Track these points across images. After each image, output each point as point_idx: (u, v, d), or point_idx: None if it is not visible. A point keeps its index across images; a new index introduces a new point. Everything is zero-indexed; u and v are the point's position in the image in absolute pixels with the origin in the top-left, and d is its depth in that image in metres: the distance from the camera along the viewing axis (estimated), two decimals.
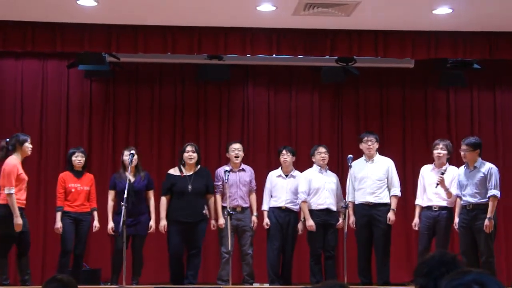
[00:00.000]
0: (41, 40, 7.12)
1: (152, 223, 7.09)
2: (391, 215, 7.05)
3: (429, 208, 7.00)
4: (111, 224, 7.00)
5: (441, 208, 6.95)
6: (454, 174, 6.99)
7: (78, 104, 8.54)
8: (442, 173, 6.83)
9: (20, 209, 6.54)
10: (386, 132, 8.75)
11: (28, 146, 6.71)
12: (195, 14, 6.90)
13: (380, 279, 7.10)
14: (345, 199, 7.16)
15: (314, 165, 7.34)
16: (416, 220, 7.10)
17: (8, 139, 6.78)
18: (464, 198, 6.79)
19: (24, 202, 6.68)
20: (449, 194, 6.90)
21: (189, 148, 7.18)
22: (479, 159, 6.79)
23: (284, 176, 7.36)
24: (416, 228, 7.12)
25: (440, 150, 7.02)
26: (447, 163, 7.04)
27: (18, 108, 8.41)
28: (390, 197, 7.12)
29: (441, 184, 6.82)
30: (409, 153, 8.67)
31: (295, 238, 7.33)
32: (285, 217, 7.27)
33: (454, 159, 7.48)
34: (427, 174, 7.11)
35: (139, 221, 7.02)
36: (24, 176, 6.66)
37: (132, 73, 8.62)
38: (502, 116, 8.85)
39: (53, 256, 7.71)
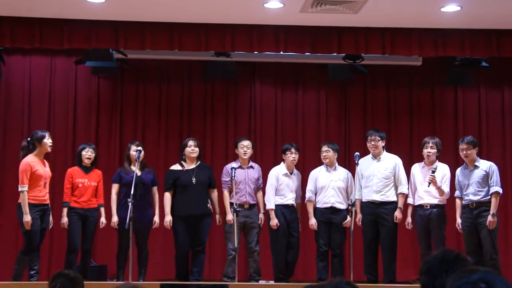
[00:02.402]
0: (49, 36, 7.14)
1: (156, 218, 7.12)
2: (398, 214, 7.03)
3: (420, 207, 7.01)
4: (115, 218, 7.01)
5: (432, 206, 6.95)
6: (444, 171, 7.02)
7: (85, 101, 8.56)
8: (433, 172, 6.84)
9: (38, 205, 6.61)
10: (393, 130, 8.73)
11: (46, 142, 6.73)
12: (202, 11, 6.90)
13: (386, 277, 7.10)
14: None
15: (324, 164, 7.35)
16: (408, 219, 7.10)
17: (29, 138, 6.82)
18: (466, 198, 6.79)
19: (44, 198, 6.72)
20: (441, 191, 6.90)
21: (191, 142, 7.24)
22: (477, 158, 6.83)
23: (289, 174, 7.36)
24: (409, 227, 7.12)
25: (429, 149, 7.02)
26: (437, 161, 7.04)
27: (26, 105, 8.43)
28: (397, 195, 7.11)
29: (433, 183, 6.82)
30: (416, 151, 8.62)
31: (299, 234, 7.33)
32: (291, 214, 7.28)
33: (452, 157, 7.49)
34: (417, 172, 7.12)
35: (143, 216, 7.04)
36: (42, 172, 6.67)
37: (139, 70, 8.63)
38: (510, 114, 8.80)
39: (59, 252, 7.74)
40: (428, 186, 6.85)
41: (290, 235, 7.25)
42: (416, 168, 7.16)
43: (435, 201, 6.94)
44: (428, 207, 6.95)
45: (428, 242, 6.97)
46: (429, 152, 7.01)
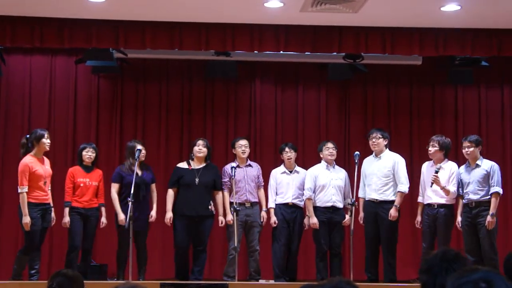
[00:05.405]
0: (49, 36, 7.14)
1: (153, 213, 7.09)
2: (393, 211, 7.00)
3: (429, 205, 7.00)
4: (122, 215, 6.90)
5: (439, 205, 6.93)
6: (452, 170, 6.99)
7: (85, 100, 8.55)
8: (436, 171, 6.83)
9: (39, 205, 6.62)
10: (393, 129, 8.71)
11: (45, 141, 6.74)
12: (202, 10, 6.90)
13: (386, 276, 7.09)
14: (353, 195, 7.16)
15: (322, 161, 7.35)
16: (418, 218, 7.11)
17: (28, 136, 6.82)
18: (465, 196, 6.79)
19: (46, 198, 6.73)
20: (446, 191, 6.87)
21: (200, 142, 7.26)
22: (480, 157, 6.82)
23: (289, 172, 7.38)
24: (418, 226, 7.12)
25: (430, 147, 7.01)
26: (446, 159, 7.03)
27: (26, 104, 8.43)
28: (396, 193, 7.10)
29: (436, 183, 6.81)
30: (416, 150, 8.63)
31: (301, 234, 7.34)
32: (292, 213, 7.28)
33: (452, 155, 7.49)
34: (426, 171, 7.11)
35: (144, 215, 7.04)
36: (41, 172, 6.67)
37: (140, 69, 8.63)
38: (510, 113, 8.80)
39: (59, 251, 7.74)
40: (431, 186, 6.85)
41: (290, 234, 7.25)
42: (425, 167, 7.17)
43: (442, 201, 6.92)
44: (436, 206, 6.94)
45: (432, 240, 6.95)
46: (430, 151, 7.02)
